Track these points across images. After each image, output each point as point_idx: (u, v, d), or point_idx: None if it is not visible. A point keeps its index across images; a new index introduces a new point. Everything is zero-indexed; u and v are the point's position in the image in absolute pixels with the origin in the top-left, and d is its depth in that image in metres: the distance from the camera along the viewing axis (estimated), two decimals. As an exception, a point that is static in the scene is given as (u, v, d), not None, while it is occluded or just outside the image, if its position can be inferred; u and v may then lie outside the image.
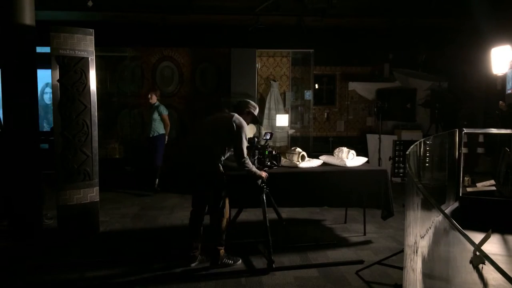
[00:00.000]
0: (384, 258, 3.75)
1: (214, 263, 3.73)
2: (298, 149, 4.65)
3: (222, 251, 3.76)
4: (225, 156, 3.78)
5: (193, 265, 3.74)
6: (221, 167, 3.73)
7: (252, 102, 3.99)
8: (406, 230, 2.78)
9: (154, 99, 6.74)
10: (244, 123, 3.76)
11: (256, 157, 4.11)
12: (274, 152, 4.28)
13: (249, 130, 3.88)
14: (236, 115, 3.80)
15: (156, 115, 6.69)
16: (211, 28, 8.58)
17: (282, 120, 8.25)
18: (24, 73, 4.55)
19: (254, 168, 3.81)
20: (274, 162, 4.25)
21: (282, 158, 4.53)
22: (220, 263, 3.73)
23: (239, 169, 3.76)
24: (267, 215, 3.80)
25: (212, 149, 3.70)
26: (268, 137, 4.21)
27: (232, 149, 3.76)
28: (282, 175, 4.28)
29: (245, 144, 3.72)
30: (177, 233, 4.83)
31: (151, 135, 6.71)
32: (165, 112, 6.79)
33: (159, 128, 6.75)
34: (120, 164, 7.97)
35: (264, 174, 3.88)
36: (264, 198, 3.87)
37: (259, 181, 3.87)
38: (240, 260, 3.84)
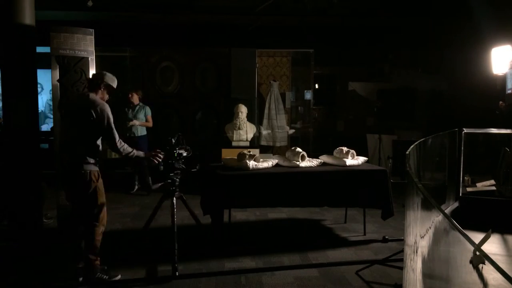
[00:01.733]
0: (385, 258, 3.75)
1: (89, 276, 3.34)
2: (298, 149, 4.65)
3: (97, 263, 3.37)
4: (96, 151, 3.31)
5: (80, 279, 3.36)
6: (91, 166, 3.26)
7: (108, 74, 3.47)
8: (406, 230, 2.78)
9: (136, 99, 6.76)
10: (104, 104, 3.30)
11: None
12: (186, 154, 3.83)
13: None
14: (91, 95, 3.32)
15: (142, 115, 6.72)
16: (211, 28, 8.57)
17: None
18: (24, 73, 4.55)
19: (134, 151, 3.41)
20: (183, 166, 3.81)
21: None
22: (96, 276, 3.33)
23: (121, 157, 3.42)
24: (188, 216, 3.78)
25: (76, 145, 3.26)
26: (184, 154, 3.82)
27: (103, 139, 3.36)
28: (282, 175, 4.28)
29: (113, 126, 3.30)
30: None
31: (136, 135, 6.73)
32: (150, 113, 6.83)
33: (142, 128, 6.79)
34: (120, 164, 7.97)
35: (150, 155, 3.50)
36: (174, 201, 3.73)
37: (161, 167, 3.65)
38: (119, 276, 3.46)
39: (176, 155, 3.74)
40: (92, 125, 3.24)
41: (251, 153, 4.48)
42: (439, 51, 8.79)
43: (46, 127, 10.02)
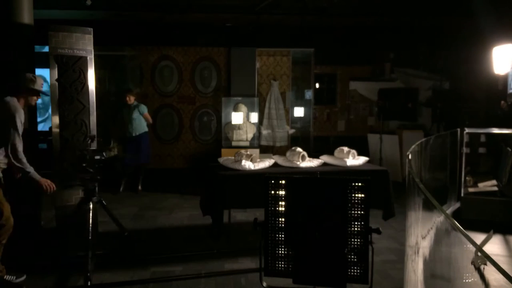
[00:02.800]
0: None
1: None
2: (299, 149, 4.61)
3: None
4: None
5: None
6: None
7: (29, 75, 3.50)
8: (408, 231, 2.75)
9: (132, 100, 6.76)
10: (16, 106, 3.30)
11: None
12: (99, 157, 3.66)
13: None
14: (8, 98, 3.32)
15: (136, 114, 6.71)
16: (211, 27, 8.55)
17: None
18: (23, 73, 4.51)
19: (32, 170, 3.34)
20: (90, 170, 3.64)
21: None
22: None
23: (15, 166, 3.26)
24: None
25: None
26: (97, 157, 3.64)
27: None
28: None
29: (17, 133, 3.24)
30: (176, 233, 4.80)
31: (134, 134, 6.73)
32: (145, 110, 6.80)
33: (140, 127, 6.79)
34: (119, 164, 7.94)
35: (45, 182, 3.39)
36: (91, 206, 3.60)
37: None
38: (24, 277, 3.44)
39: (88, 158, 3.61)
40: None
41: (248, 153, 4.45)
42: (441, 50, 8.75)
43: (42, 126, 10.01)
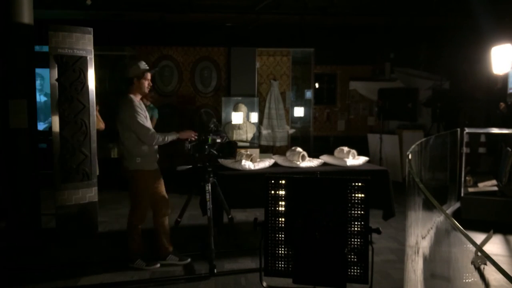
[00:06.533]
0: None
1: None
2: (299, 149, 4.62)
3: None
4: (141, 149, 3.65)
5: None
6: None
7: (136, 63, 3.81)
8: (408, 231, 2.75)
9: (149, 100, 6.70)
10: (131, 100, 3.64)
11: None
12: (219, 140, 3.89)
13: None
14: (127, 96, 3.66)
15: (150, 116, 6.63)
16: (211, 27, 8.55)
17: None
18: (22, 72, 4.51)
19: (166, 137, 3.69)
20: (214, 152, 3.86)
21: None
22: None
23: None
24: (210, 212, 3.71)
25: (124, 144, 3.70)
26: (218, 140, 3.89)
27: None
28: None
29: (141, 123, 3.59)
30: (176, 233, 4.79)
31: None
32: (156, 115, 6.73)
33: None
34: (119, 164, 7.94)
35: (184, 135, 3.73)
36: (209, 188, 3.77)
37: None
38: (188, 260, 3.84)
39: (210, 140, 3.82)
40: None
41: (248, 153, 4.45)
42: (441, 50, 8.75)
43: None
